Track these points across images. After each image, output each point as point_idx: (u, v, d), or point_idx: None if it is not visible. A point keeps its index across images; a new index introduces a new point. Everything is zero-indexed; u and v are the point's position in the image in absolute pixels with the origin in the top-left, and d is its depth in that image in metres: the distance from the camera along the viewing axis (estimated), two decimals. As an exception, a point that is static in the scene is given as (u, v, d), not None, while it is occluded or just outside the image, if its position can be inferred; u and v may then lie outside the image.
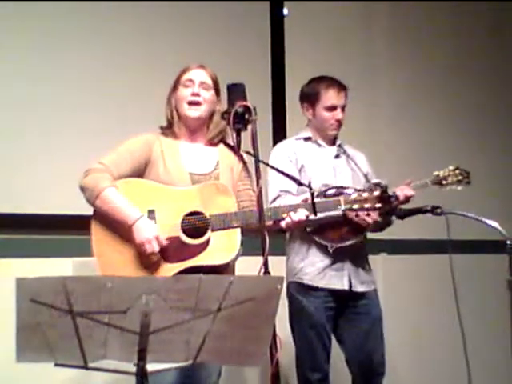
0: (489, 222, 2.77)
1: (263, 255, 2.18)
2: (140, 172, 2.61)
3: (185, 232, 2.50)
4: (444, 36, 4.75)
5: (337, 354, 3.16)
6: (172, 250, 2.49)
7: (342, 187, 2.92)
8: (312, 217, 2.58)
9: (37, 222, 3.28)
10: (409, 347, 4.13)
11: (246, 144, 2.42)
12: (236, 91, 2.42)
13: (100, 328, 1.75)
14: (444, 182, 3.13)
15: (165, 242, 2.47)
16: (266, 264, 2.19)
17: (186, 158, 2.65)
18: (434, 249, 3.82)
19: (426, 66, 4.62)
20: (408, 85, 4.56)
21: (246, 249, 2.54)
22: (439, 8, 4.66)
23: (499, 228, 2.73)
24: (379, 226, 3.13)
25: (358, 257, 3.10)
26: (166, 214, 2.51)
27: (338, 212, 2.91)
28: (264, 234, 2.21)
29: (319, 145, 3.21)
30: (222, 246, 2.50)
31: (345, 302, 3.07)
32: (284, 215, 2.56)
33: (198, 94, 2.64)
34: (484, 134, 4.79)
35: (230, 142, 2.59)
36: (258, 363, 1.88)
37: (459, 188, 3.14)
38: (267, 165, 2.64)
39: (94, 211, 2.53)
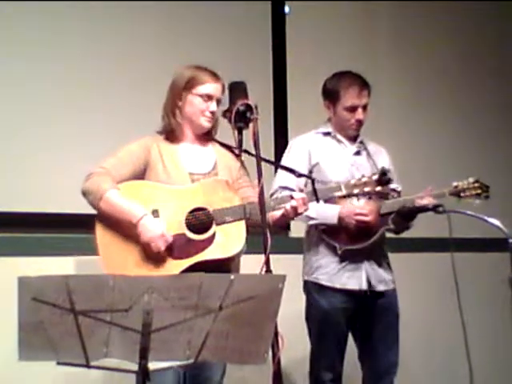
0: (491, 220, 2.75)
1: (265, 254, 2.18)
2: (139, 175, 2.61)
3: (190, 228, 2.50)
4: (449, 36, 4.73)
5: (348, 352, 3.13)
6: (178, 247, 2.49)
7: None
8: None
9: (39, 220, 3.27)
10: (410, 344, 4.12)
11: (247, 142, 2.41)
12: (237, 89, 2.42)
13: (102, 327, 1.75)
14: (462, 194, 3.03)
15: (171, 239, 2.47)
16: (267, 262, 2.19)
17: (185, 159, 2.65)
18: (435, 247, 3.81)
19: (428, 67, 4.61)
20: (411, 84, 4.55)
21: (248, 247, 2.54)
22: (443, 8, 4.64)
23: (501, 226, 2.71)
24: (395, 229, 3.07)
25: (376, 256, 3.04)
26: (169, 213, 2.51)
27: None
28: (266, 232, 2.20)
29: (339, 141, 3.12)
30: (228, 239, 2.50)
31: (363, 302, 3.01)
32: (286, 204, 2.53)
33: (215, 113, 2.64)
34: (485, 132, 4.77)
35: (231, 141, 2.58)
36: (260, 362, 1.88)
37: (477, 202, 3.03)
38: (267, 161, 2.61)
39: (98, 213, 2.54)
